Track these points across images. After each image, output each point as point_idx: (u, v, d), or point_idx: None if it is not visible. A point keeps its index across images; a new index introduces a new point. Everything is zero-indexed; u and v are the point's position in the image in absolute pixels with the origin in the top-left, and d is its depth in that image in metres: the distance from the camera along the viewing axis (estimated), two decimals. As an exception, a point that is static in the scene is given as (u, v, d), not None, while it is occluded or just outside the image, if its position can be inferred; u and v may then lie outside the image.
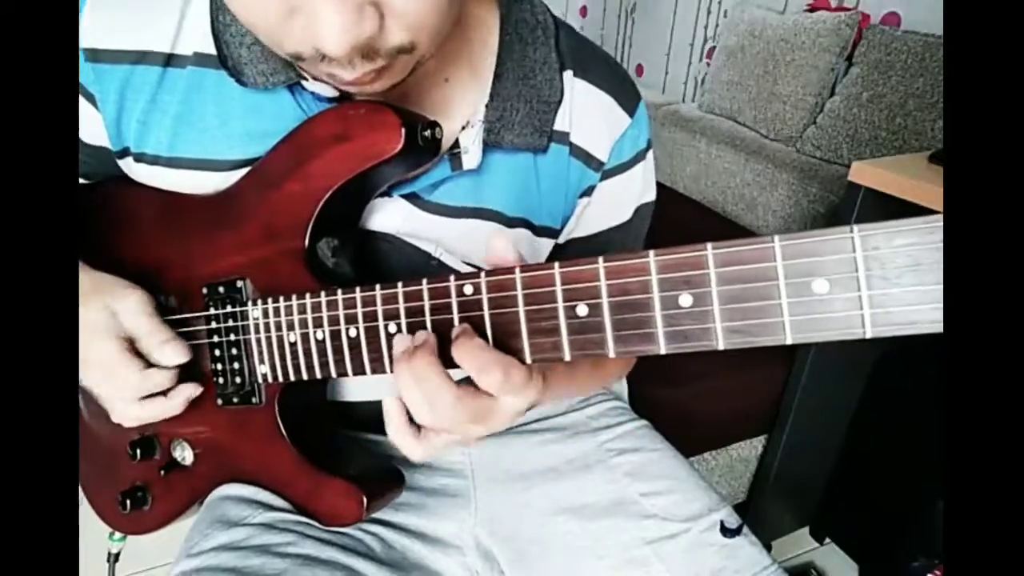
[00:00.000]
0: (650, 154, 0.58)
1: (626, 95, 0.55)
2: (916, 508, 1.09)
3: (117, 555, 0.71)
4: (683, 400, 1.11)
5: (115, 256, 0.54)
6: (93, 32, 0.45)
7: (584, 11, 2.79)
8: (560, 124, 0.51)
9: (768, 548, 0.54)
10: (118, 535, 0.68)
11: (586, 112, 0.52)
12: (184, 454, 0.54)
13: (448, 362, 0.36)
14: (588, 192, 0.55)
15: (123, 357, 0.46)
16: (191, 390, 0.50)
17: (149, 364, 0.48)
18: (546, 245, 0.56)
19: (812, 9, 1.65)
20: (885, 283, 0.25)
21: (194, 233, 0.51)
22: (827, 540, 1.34)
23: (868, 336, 0.26)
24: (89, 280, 0.49)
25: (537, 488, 0.59)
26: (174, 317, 0.52)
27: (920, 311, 0.25)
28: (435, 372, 0.34)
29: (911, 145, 1.29)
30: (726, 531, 0.53)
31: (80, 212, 0.57)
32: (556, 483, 0.59)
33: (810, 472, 1.29)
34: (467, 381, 0.36)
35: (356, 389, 0.56)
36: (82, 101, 0.47)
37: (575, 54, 0.52)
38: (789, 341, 0.27)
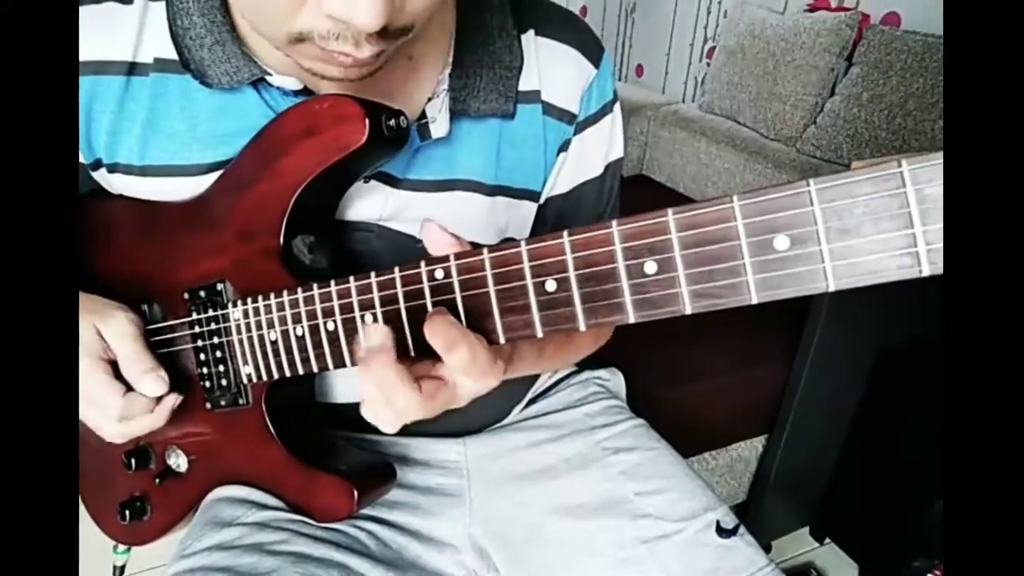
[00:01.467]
0: (617, 107, 0.59)
1: (590, 46, 0.55)
2: (916, 508, 1.09)
3: (122, 568, 0.69)
4: (683, 400, 1.11)
5: (98, 268, 0.54)
6: None
7: (584, 11, 2.79)
8: (527, 84, 0.52)
9: (768, 548, 0.54)
10: (122, 548, 0.67)
11: (553, 68, 0.53)
12: (178, 461, 0.54)
13: (420, 348, 0.36)
14: (565, 147, 0.56)
15: (105, 380, 0.47)
16: (173, 401, 0.50)
17: (131, 387, 0.48)
18: (529, 208, 0.57)
19: (812, 9, 1.65)
20: (844, 235, 0.26)
21: (172, 240, 0.51)
22: (827, 540, 1.34)
23: (831, 289, 0.26)
24: (85, 301, 0.49)
25: (533, 487, 0.59)
26: (158, 325, 0.52)
27: (881, 260, 0.25)
28: (392, 375, 0.34)
29: (911, 145, 1.29)
30: (722, 531, 0.53)
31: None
32: (552, 482, 0.59)
33: (810, 472, 1.28)
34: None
35: (345, 390, 0.56)
36: None
37: (534, 14, 0.53)
38: (755, 300, 0.28)
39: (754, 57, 1.67)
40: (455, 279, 0.35)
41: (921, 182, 0.24)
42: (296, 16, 0.37)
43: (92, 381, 0.46)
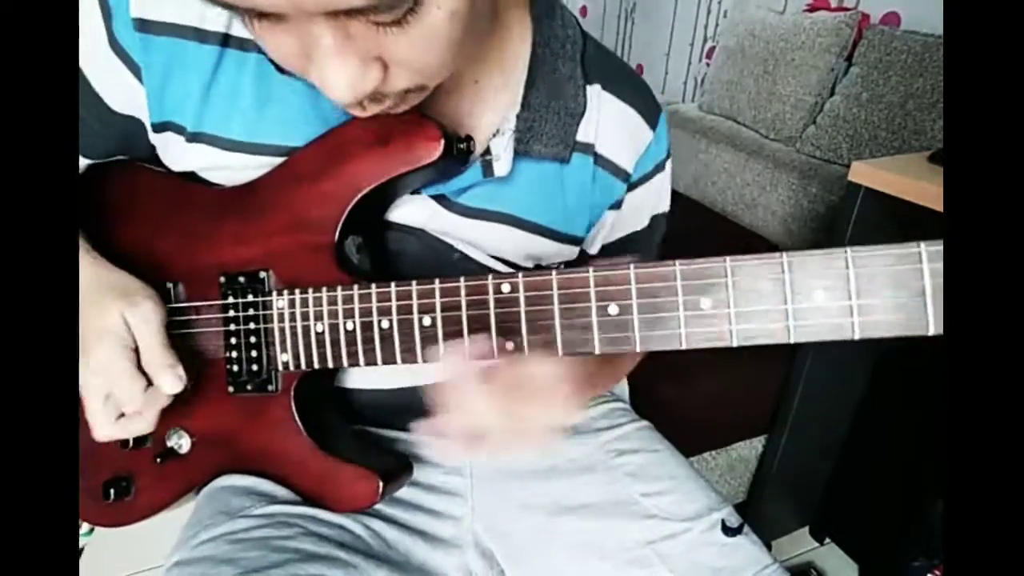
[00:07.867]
0: (668, 163, 0.59)
1: (650, 108, 0.56)
2: (916, 508, 1.09)
3: (80, 550, 0.67)
4: (683, 400, 1.11)
5: (123, 241, 0.54)
6: (142, 2, 0.44)
7: (584, 11, 2.79)
8: (584, 135, 0.52)
9: (768, 548, 0.54)
10: (85, 528, 0.65)
11: (612, 124, 0.53)
12: (180, 442, 0.54)
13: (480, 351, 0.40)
14: (617, 205, 0.57)
15: (130, 370, 0.46)
16: (164, 401, 0.49)
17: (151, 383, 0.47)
18: (567, 251, 0.57)
19: (812, 9, 1.65)
20: (870, 295, 0.31)
21: (211, 222, 0.51)
22: (827, 540, 1.34)
23: (856, 338, 0.31)
24: (115, 281, 0.48)
25: (537, 487, 0.59)
26: (184, 304, 0.52)
27: (898, 320, 0.30)
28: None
29: (911, 145, 1.29)
30: (727, 530, 0.53)
31: (96, 196, 0.56)
32: (556, 482, 0.59)
33: (810, 472, 1.29)
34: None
35: (358, 377, 0.56)
36: (123, 70, 0.46)
37: (602, 67, 0.53)
38: (792, 340, 0.32)
39: (754, 57, 1.67)
40: (521, 294, 0.39)
41: (936, 260, 0.29)
42: (306, 75, 0.38)
43: (116, 370, 0.45)
